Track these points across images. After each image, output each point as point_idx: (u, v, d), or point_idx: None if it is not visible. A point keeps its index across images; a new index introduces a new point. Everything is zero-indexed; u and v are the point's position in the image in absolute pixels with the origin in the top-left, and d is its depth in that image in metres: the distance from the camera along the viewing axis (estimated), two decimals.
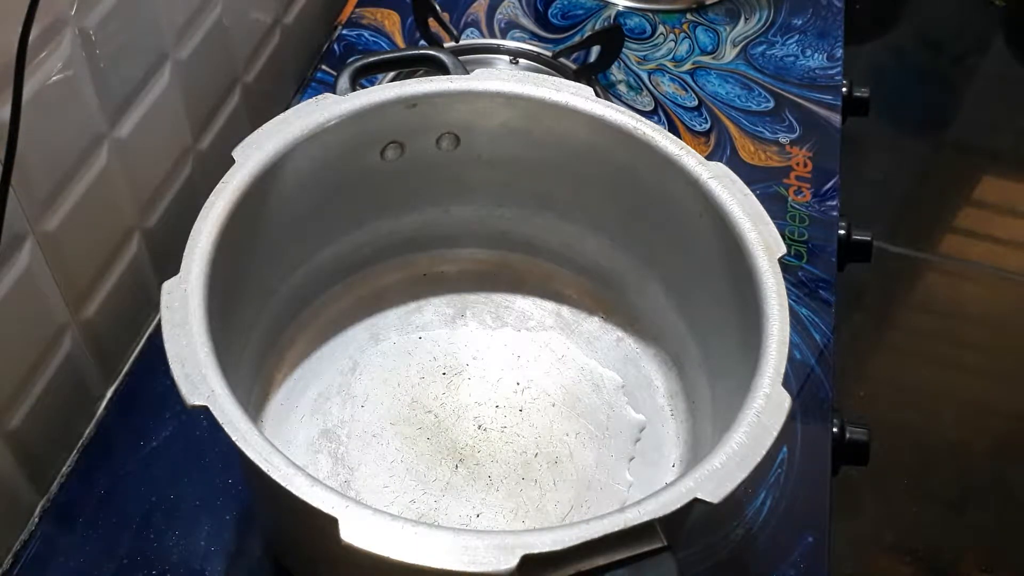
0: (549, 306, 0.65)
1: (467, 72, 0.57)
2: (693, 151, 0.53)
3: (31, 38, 0.45)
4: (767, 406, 0.43)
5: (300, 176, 0.54)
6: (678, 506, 0.39)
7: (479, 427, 0.58)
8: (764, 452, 0.41)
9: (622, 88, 0.85)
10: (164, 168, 0.65)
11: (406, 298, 0.65)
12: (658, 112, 0.83)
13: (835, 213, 0.76)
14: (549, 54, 0.83)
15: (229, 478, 0.58)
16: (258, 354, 0.58)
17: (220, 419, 0.40)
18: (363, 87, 0.56)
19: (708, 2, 0.94)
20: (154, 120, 0.61)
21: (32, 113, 0.48)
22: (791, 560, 0.57)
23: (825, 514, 0.59)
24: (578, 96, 0.56)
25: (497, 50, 0.84)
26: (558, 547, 0.37)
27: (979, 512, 1.31)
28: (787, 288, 0.48)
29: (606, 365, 0.62)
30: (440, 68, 0.59)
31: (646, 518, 0.38)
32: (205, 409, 0.40)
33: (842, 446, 0.62)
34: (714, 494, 0.40)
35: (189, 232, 0.47)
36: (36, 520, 0.57)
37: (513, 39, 0.87)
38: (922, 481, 1.33)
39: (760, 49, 0.89)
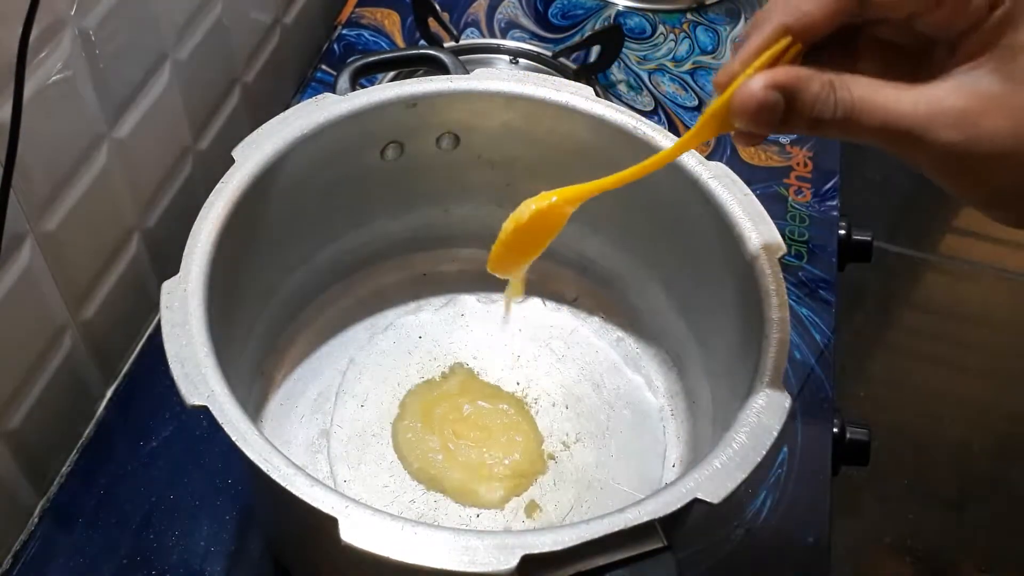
0: (549, 306, 0.65)
1: (467, 72, 0.57)
2: (693, 151, 0.53)
3: (31, 38, 0.45)
4: (767, 406, 0.43)
5: (300, 176, 0.54)
6: (678, 506, 0.39)
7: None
8: (764, 452, 0.41)
9: (622, 88, 0.85)
10: (164, 168, 0.65)
11: (406, 298, 0.65)
12: (658, 112, 0.83)
13: (835, 213, 0.76)
14: (549, 54, 0.83)
15: (229, 478, 0.58)
16: (258, 354, 0.58)
17: (220, 419, 0.40)
18: (363, 87, 0.56)
19: (708, 2, 0.94)
20: (154, 120, 0.61)
21: (32, 113, 0.48)
22: (791, 560, 0.57)
23: (825, 514, 0.59)
24: (578, 96, 0.56)
25: (497, 50, 0.84)
26: (558, 547, 0.37)
27: (979, 512, 1.31)
28: (787, 288, 0.48)
29: (606, 365, 0.62)
30: (440, 68, 0.59)
31: (646, 518, 0.38)
32: (205, 409, 0.40)
33: (842, 446, 0.62)
34: (714, 494, 0.40)
35: (189, 232, 0.47)
36: (36, 520, 0.57)
37: (513, 39, 0.87)
38: (922, 481, 1.33)
39: None
